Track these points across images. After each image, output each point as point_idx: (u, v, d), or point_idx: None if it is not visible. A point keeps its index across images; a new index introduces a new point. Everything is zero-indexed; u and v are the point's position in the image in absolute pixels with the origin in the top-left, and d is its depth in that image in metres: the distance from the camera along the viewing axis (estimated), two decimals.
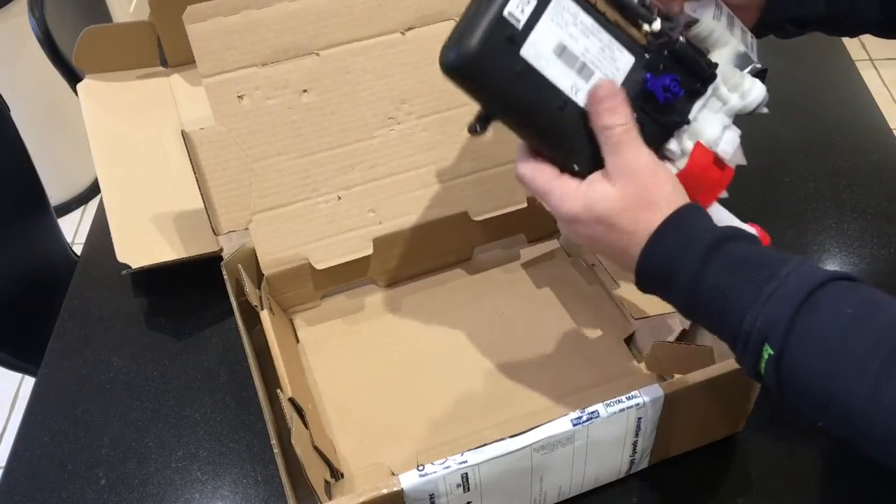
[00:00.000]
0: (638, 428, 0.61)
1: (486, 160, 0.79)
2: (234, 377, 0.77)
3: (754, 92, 0.58)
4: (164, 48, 1.04)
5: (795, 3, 0.63)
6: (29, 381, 1.64)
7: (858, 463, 0.68)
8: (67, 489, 0.70)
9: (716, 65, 0.57)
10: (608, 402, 0.59)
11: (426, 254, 0.82)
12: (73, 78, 1.10)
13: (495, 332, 0.78)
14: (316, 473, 0.60)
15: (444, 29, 0.76)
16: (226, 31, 0.71)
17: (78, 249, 0.96)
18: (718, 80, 0.57)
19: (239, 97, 0.73)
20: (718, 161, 0.57)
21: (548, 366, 0.75)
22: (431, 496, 0.57)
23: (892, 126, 1.02)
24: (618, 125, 0.53)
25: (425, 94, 0.77)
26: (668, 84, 0.55)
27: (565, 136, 0.55)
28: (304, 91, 0.74)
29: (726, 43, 0.59)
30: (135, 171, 0.91)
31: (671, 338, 0.71)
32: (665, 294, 0.53)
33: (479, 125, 0.55)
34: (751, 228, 0.55)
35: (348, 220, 0.77)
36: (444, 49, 0.52)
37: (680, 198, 0.53)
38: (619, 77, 0.55)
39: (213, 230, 0.74)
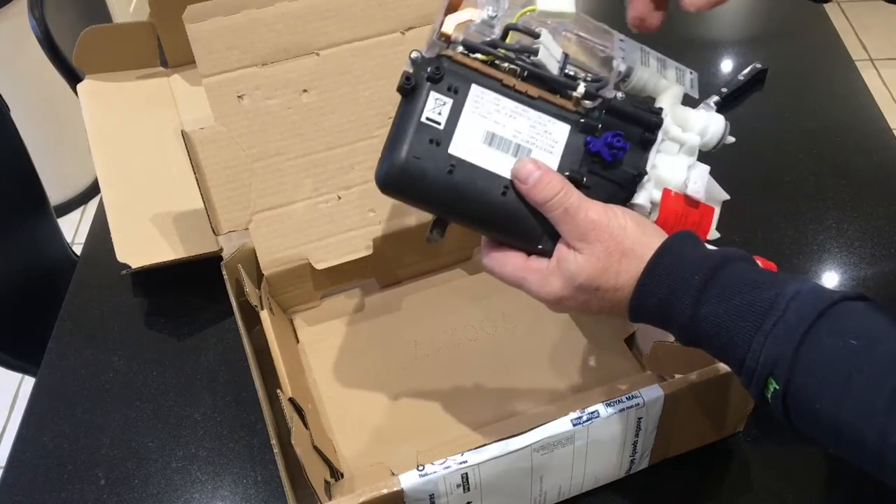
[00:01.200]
0: (638, 428, 0.61)
1: None
2: (234, 377, 0.77)
3: (712, 126, 0.57)
4: (164, 48, 1.04)
5: None
6: (29, 381, 1.64)
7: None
8: (67, 489, 0.70)
9: (660, 109, 0.56)
10: (608, 402, 0.59)
11: (426, 254, 0.82)
12: (73, 78, 1.10)
13: (495, 332, 0.78)
14: (316, 473, 0.60)
15: None
16: (226, 31, 0.71)
17: (78, 249, 0.96)
18: (668, 122, 0.56)
19: (239, 97, 0.73)
20: (692, 202, 0.56)
21: (548, 366, 0.75)
22: (431, 496, 0.57)
23: (892, 126, 1.02)
24: (553, 196, 0.52)
25: None
26: (610, 140, 0.54)
27: (518, 220, 0.54)
28: (304, 91, 0.74)
29: (667, 87, 0.58)
30: (135, 171, 0.91)
31: (671, 338, 0.71)
32: (665, 329, 0.53)
33: (434, 232, 0.56)
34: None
35: (348, 220, 0.77)
36: (376, 170, 0.53)
37: (651, 234, 0.52)
38: (559, 148, 0.54)
39: (213, 230, 0.74)
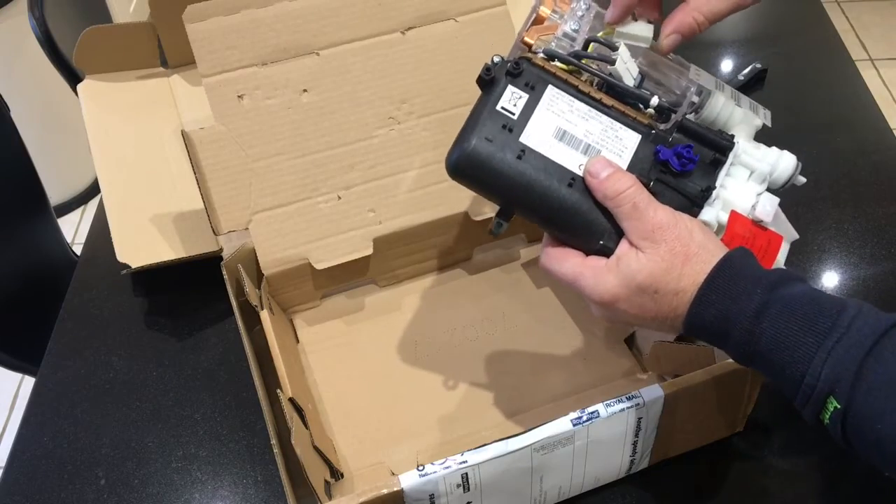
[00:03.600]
0: (638, 428, 0.61)
1: None
2: (234, 377, 0.77)
3: (783, 163, 0.56)
4: (164, 48, 1.04)
5: None
6: (29, 381, 1.64)
7: (858, 463, 0.68)
8: (67, 489, 0.70)
9: (731, 135, 0.56)
10: (608, 402, 0.59)
11: (426, 254, 0.82)
12: (73, 78, 1.10)
13: (495, 333, 0.78)
14: (316, 473, 0.60)
15: (445, 29, 0.76)
16: (226, 31, 0.71)
17: (78, 249, 0.96)
18: (739, 147, 0.56)
19: (239, 97, 0.73)
20: (759, 228, 0.55)
21: (547, 366, 0.75)
22: (431, 496, 0.57)
23: (892, 126, 1.02)
24: (623, 191, 0.52)
25: (425, 94, 0.77)
26: (681, 151, 0.54)
27: (581, 213, 0.54)
28: (304, 91, 0.74)
29: (741, 120, 0.58)
30: (135, 171, 0.91)
31: (671, 338, 0.71)
32: (719, 345, 0.51)
33: (498, 222, 0.56)
34: None
35: (348, 220, 0.77)
36: (448, 155, 0.55)
37: (716, 244, 0.52)
38: (628, 154, 0.55)
39: (213, 230, 0.74)
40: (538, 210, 0.55)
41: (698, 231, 0.52)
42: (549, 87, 0.55)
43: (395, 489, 0.55)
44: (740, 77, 1.02)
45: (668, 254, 0.51)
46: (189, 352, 0.80)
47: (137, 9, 2.00)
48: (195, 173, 0.73)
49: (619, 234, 0.53)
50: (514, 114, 0.54)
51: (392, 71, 0.76)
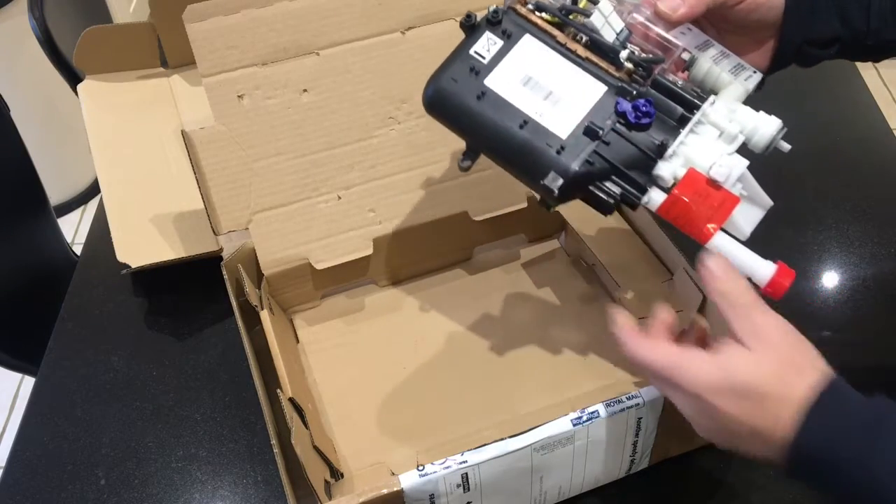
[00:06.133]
0: (638, 428, 0.61)
1: (486, 160, 0.79)
2: (234, 377, 0.77)
3: (763, 127, 0.56)
4: (164, 48, 1.04)
5: (810, 23, 0.62)
6: (29, 381, 1.64)
7: None
8: (67, 489, 0.70)
9: (707, 95, 0.56)
10: (608, 401, 0.59)
11: (426, 254, 0.82)
12: (73, 78, 1.10)
13: (495, 333, 0.78)
14: (316, 473, 0.60)
15: (445, 29, 0.76)
16: (226, 31, 0.71)
17: (78, 249, 0.96)
18: (710, 107, 0.56)
19: (239, 97, 0.73)
20: (715, 185, 0.55)
21: (548, 366, 0.75)
22: (431, 496, 0.57)
23: (892, 126, 1.02)
24: (739, 288, 0.50)
25: None
26: (638, 104, 0.55)
27: (529, 153, 0.56)
28: (304, 91, 0.74)
29: (729, 83, 0.59)
30: (135, 171, 0.91)
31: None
32: (823, 479, 0.47)
33: (463, 157, 0.59)
34: (773, 266, 0.53)
35: (348, 220, 0.77)
36: (423, 90, 0.58)
37: (823, 364, 0.49)
38: (589, 103, 0.56)
39: (213, 230, 0.74)
40: (493, 148, 0.58)
41: (812, 349, 0.50)
42: (526, 35, 0.58)
43: (395, 489, 0.55)
44: None
45: (779, 359, 0.48)
46: (189, 352, 0.80)
47: (137, 9, 2.00)
48: (195, 173, 0.73)
49: (567, 174, 0.54)
50: (484, 58, 0.57)
51: (392, 71, 0.76)
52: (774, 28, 0.63)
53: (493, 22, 0.58)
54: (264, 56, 0.73)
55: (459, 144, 0.81)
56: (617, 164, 0.55)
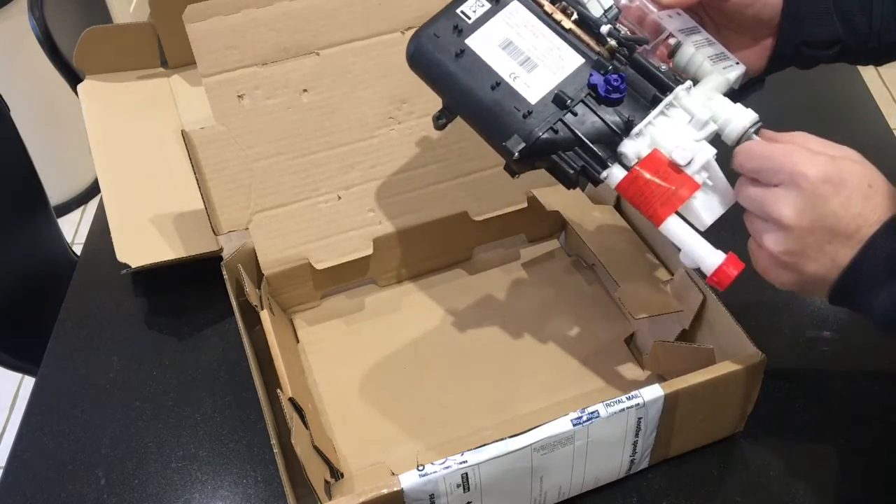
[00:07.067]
0: (638, 428, 0.61)
1: (486, 160, 0.79)
2: (234, 377, 0.77)
3: (736, 119, 0.56)
4: (164, 49, 1.04)
5: (809, 23, 0.62)
6: (29, 381, 1.63)
7: (859, 463, 0.68)
8: (67, 489, 0.70)
9: (683, 79, 0.56)
10: (608, 402, 0.59)
11: (426, 254, 0.82)
12: (73, 78, 1.10)
13: (495, 333, 0.78)
14: (316, 473, 0.60)
15: None
16: (226, 31, 0.71)
17: (78, 249, 0.96)
18: (684, 92, 0.56)
19: (239, 97, 0.73)
20: (676, 168, 0.55)
21: (548, 366, 0.75)
22: (431, 496, 0.57)
23: (892, 126, 1.01)
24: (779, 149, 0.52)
25: (425, 94, 0.76)
26: (610, 79, 0.56)
27: (495, 114, 0.57)
28: (304, 91, 0.74)
29: (710, 72, 0.59)
30: (135, 171, 0.91)
31: (671, 338, 0.71)
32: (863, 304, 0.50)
33: (438, 115, 0.60)
34: (721, 255, 0.54)
35: (348, 220, 0.77)
36: (407, 44, 0.59)
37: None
38: (564, 73, 0.57)
39: (213, 230, 0.74)
40: (464, 107, 0.58)
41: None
42: (514, 1, 0.59)
43: (395, 489, 0.55)
44: None
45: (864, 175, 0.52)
46: (189, 352, 0.80)
47: (137, 9, 2.00)
48: (195, 173, 0.73)
49: (525, 139, 0.55)
50: (469, 18, 0.58)
51: (392, 71, 0.76)
52: (772, 26, 0.62)
53: None
54: (264, 56, 0.73)
55: (460, 144, 0.82)
56: (581, 136, 0.55)
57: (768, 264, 0.53)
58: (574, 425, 0.58)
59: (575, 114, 0.56)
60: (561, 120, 0.55)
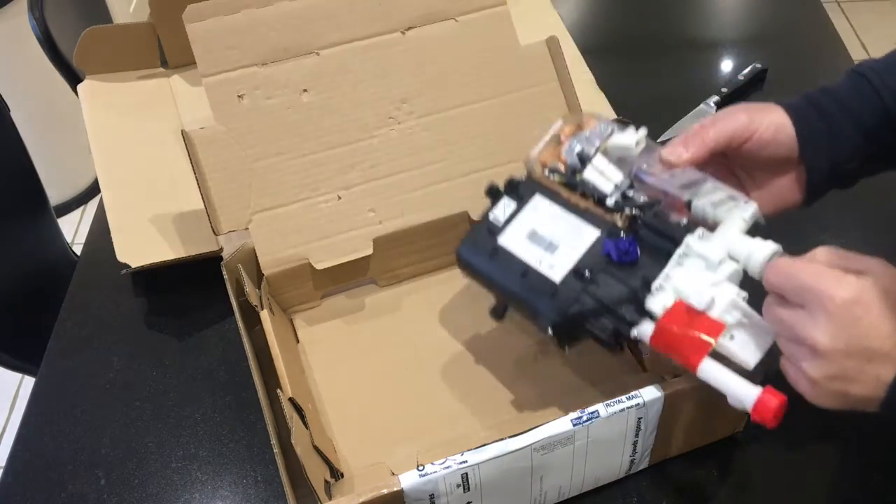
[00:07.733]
0: (638, 428, 0.61)
1: (486, 160, 0.79)
2: (234, 377, 0.77)
3: (757, 253, 0.56)
4: (164, 49, 1.04)
5: (832, 147, 0.62)
6: (29, 381, 1.64)
7: (859, 463, 0.68)
8: (67, 489, 0.70)
9: (686, 227, 0.59)
10: (608, 402, 0.59)
11: (426, 254, 0.82)
12: (73, 78, 1.10)
13: (495, 332, 0.78)
14: (316, 473, 0.60)
15: (445, 29, 0.77)
16: (226, 31, 0.71)
17: (78, 249, 0.96)
18: (694, 240, 0.58)
19: (239, 97, 0.73)
20: (698, 314, 0.55)
21: (547, 365, 0.75)
22: (431, 496, 0.57)
23: None
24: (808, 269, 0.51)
25: (425, 94, 0.77)
26: (620, 244, 0.59)
27: (529, 299, 0.61)
28: (304, 91, 0.74)
29: (726, 216, 0.59)
30: (135, 171, 0.91)
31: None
32: None
33: (494, 308, 0.67)
34: (756, 390, 0.53)
35: (348, 220, 0.77)
36: (455, 251, 0.66)
37: None
38: (583, 247, 0.61)
39: (213, 230, 0.74)
40: (505, 296, 0.65)
41: None
42: (537, 195, 0.65)
43: (395, 489, 0.55)
44: (740, 77, 1.02)
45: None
46: (189, 352, 0.80)
47: (137, 9, 2.00)
48: (195, 173, 0.73)
49: (556, 318, 0.59)
50: (500, 221, 0.65)
51: (392, 71, 0.76)
52: (795, 160, 0.63)
53: (511, 188, 0.66)
54: (264, 56, 0.73)
55: (460, 144, 0.82)
56: (605, 302, 0.58)
57: (810, 389, 0.52)
58: (574, 425, 0.58)
59: (597, 283, 0.59)
60: (585, 291, 0.59)
